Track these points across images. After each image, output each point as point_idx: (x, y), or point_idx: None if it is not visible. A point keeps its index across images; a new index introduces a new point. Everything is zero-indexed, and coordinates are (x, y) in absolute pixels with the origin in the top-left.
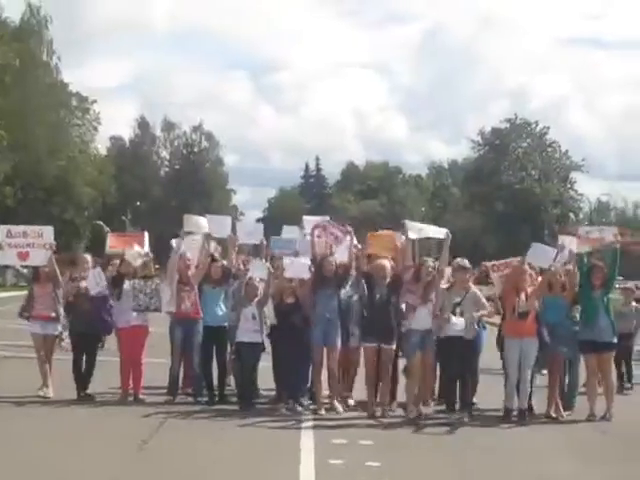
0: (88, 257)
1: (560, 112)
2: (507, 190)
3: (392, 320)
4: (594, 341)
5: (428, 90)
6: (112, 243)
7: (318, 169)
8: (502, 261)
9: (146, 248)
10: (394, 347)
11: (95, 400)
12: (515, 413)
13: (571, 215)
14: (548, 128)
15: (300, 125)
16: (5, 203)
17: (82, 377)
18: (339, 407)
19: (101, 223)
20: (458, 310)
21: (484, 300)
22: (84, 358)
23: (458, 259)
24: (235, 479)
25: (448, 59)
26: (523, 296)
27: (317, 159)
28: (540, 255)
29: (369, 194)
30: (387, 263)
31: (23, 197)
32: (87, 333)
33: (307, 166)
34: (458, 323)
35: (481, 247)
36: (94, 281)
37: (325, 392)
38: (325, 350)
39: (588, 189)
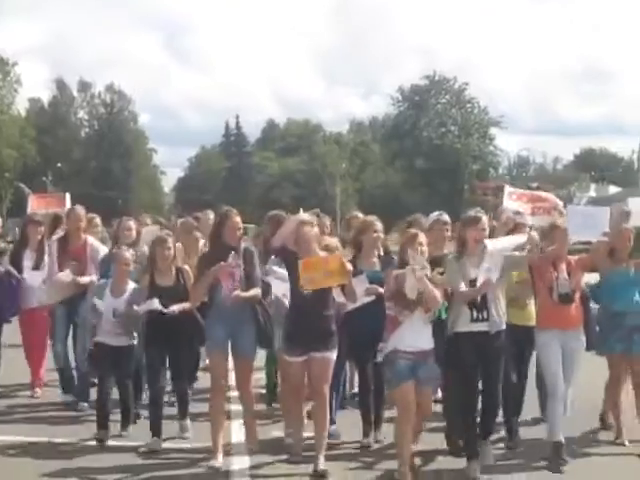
0: None
1: (475, 69)
2: (427, 146)
3: (329, 320)
4: None
5: (343, 48)
6: (33, 204)
7: (238, 127)
8: (528, 191)
9: (67, 209)
10: (334, 355)
11: None
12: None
13: (491, 170)
14: (467, 84)
15: (218, 85)
16: None
17: None
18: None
19: (22, 185)
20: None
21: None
22: None
23: (472, 211)
24: None
25: (362, 17)
26: (564, 270)
27: (237, 117)
28: (585, 224)
29: (290, 152)
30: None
31: None
32: None
33: (227, 125)
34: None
35: (402, 203)
36: None
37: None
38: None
39: (506, 145)
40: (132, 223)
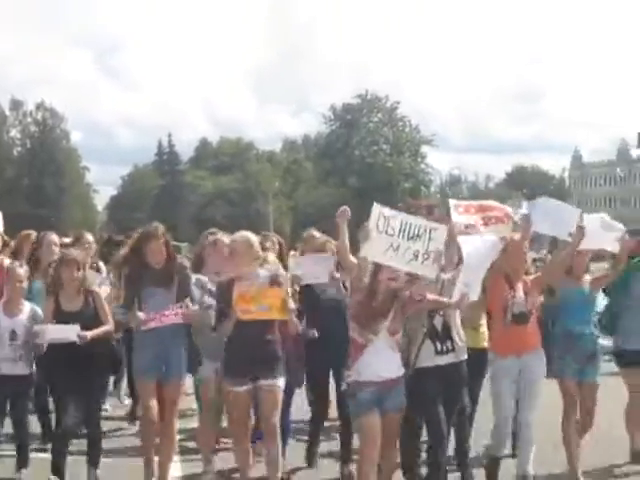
0: None
1: (407, 88)
2: (359, 164)
3: (273, 345)
4: None
5: (274, 66)
6: None
7: (171, 146)
8: (475, 202)
9: (0, 228)
10: (281, 383)
11: None
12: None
13: (423, 188)
14: (398, 103)
15: (150, 103)
16: None
17: None
18: None
19: None
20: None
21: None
22: None
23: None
24: None
25: (293, 36)
26: (521, 289)
27: (169, 136)
28: (552, 217)
29: (223, 170)
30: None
31: None
32: None
33: (160, 143)
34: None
35: (334, 221)
36: None
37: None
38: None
39: (438, 163)
40: (56, 238)
